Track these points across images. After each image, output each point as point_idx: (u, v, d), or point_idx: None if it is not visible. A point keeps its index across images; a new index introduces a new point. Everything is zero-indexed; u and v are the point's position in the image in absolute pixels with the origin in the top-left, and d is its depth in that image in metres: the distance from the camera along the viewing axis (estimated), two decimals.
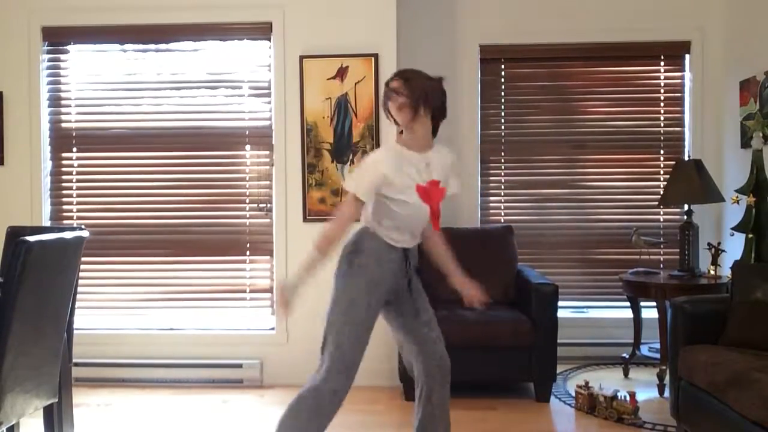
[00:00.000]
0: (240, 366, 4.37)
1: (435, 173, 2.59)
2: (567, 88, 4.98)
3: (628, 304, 4.47)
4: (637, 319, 4.44)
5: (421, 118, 2.56)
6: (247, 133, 4.54)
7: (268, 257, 4.51)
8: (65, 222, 4.60)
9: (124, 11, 4.45)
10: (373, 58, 4.27)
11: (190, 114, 4.57)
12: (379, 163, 2.52)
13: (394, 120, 2.60)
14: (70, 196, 4.61)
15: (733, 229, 4.05)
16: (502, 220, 4.98)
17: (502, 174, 5.01)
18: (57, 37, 4.54)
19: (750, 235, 3.93)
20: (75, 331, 3.21)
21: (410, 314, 2.71)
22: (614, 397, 3.67)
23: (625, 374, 4.44)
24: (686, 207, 4.37)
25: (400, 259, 2.61)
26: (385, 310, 2.69)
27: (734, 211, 4.25)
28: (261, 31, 4.45)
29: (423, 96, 2.53)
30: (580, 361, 4.73)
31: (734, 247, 4.22)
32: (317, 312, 4.38)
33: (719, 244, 4.28)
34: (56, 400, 2.89)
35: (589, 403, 3.78)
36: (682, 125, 4.94)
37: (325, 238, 2.53)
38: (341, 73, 4.30)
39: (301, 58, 4.32)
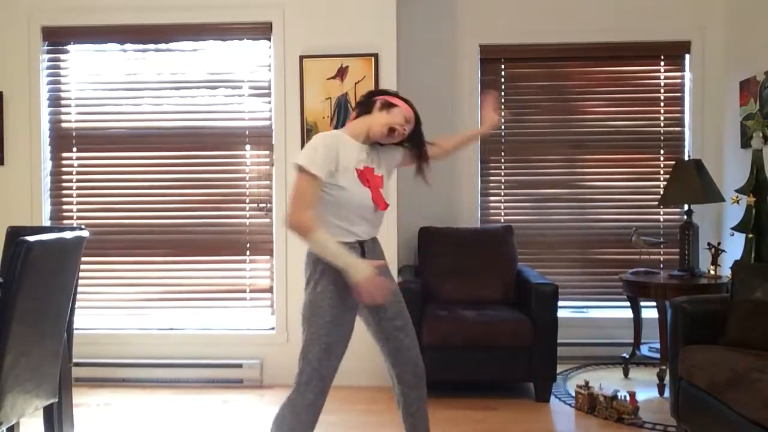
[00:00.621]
0: (240, 366, 4.37)
1: (372, 162, 2.54)
2: (567, 88, 4.98)
3: (628, 304, 4.47)
4: (637, 319, 4.44)
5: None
6: (247, 133, 4.54)
7: (268, 257, 4.51)
8: (65, 222, 4.60)
9: (124, 11, 4.45)
10: (373, 58, 4.27)
11: (190, 114, 4.57)
12: (328, 139, 2.45)
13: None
14: (70, 196, 4.61)
15: (733, 229, 4.05)
16: (502, 220, 4.98)
17: (502, 174, 5.01)
18: (57, 37, 4.54)
19: (750, 235, 3.93)
20: (75, 331, 3.21)
21: (382, 318, 2.59)
22: (614, 397, 3.67)
23: (625, 374, 4.44)
24: (686, 207, 4.37)
25: (357, 255, 2.47)
26: (362, 314, 2.61)
27: (734, 211, 4.26)
28: (261, 31, 4.45)
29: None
30: (580, 361, 4.73)
31: (734, 247, 4.23)
32: None
33: (719, 244, 4.28)
34: (56, 400, 2.89)
35: (589, 403, 3.78)
36: (682, 125, 4.94)
37: (302, 231, 2.35)
38: (341, 73, 4.30)
39: (301, 58, 4.32)
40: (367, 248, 2.55)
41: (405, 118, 2.55)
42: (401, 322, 2.61)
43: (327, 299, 2.45)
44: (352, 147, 2.50)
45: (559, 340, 3.98)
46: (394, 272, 3.91)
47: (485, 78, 4.97)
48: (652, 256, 4.77)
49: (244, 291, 4.56)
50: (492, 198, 5.02)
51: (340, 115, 4.30)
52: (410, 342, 2.62)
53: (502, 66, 4.99)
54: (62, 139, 4.59)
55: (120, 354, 4.43)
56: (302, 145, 4.32)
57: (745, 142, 4.37)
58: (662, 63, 4.95)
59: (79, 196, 4.61)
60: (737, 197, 4.07)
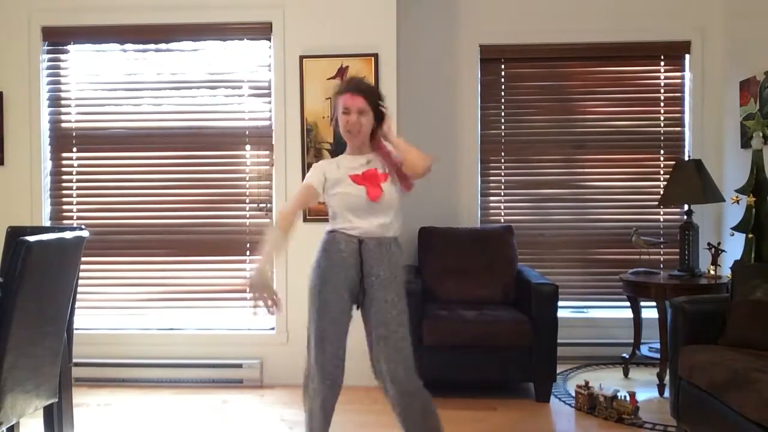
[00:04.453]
0: (240, 366, 4.37)
1: (376, 165, 2.72)
2: (567, 88, 4.98)
3: (628, 304, 4.47)
4: (637, 319, 4.44)
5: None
6: (247, 133, 4.54)
7: None
8: (65, 222, 4.60)
9: (124, 11, 4.45)
10: (373, 58, 4.27)
11: (190, 114, 4.57)
12: (320, 164, 2.82)
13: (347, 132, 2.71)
14: (70, 196, 4.61)
15: (733, 229, 4.05)
16: (502, 220, 4.98)
17: (502, 174, 5.01)
18: (57, 37, 4.54)
19: (750, 235, 3.93)
20: (75, 331, 3.21)
21: (368, 322, 2.70)
22: (614, 397, 3.67)
23: (625, 374, 4.44)
24: (686, 207, 4.37)
25: (351, 251, 2.66)
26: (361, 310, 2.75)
27: (734, 211, 4.26)
28: (261, 31, 4.45)
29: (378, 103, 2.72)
30: (580, 361, 4.73)
31: (734, 247, 4.22)
32: None
33: (719, 244, 4.28)
34: (56, 400, 2.89)
35: (589, 403, 3.78)
36: (682, 125, 4.94)
37: (280, 216, 2.73)
38: (341, 73, 4.29)
39: (301, 58, 4.32)
40: (366, 249, 2.66)
41: (343, 107, 2.68)
42: (384, 332, 2.62)
43: (316, 285, 2.67)
44: (346, 161, 2.73)
45: (559, 340, 3.98)
46: None
47: (485, 78, 4.97)
48: (652, 256, 4.76)
49: (244, 291, 4.56)
50: (492, 198, 5.02)
51: None
52: (389, 355, 2.60)
53: (502, 66, 4.99)
54: (62, 139, 4.59)
55: (120, 354, 4.43)
56: (302, 145, 4.35)
57: (745, 142, 4.37)
58: (662, 63, 4.94)
59: (79, 196, 4.61)
60: (737, 197, 4.07)
